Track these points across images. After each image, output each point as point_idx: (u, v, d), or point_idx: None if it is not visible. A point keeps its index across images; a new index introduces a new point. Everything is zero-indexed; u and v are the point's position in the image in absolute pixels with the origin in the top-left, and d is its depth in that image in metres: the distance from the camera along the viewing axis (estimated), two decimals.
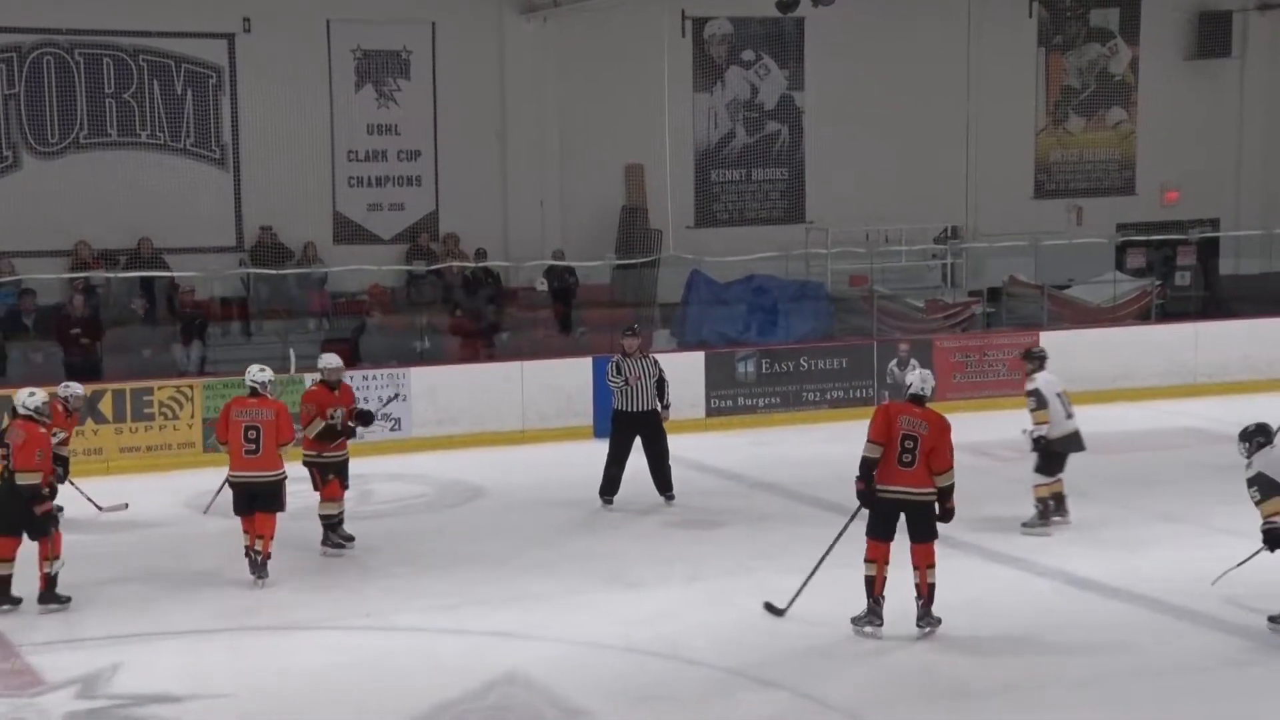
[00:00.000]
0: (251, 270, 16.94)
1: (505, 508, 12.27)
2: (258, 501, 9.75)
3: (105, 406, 13.94)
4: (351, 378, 14.60)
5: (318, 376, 11.21)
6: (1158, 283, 19.52)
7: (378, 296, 17.35)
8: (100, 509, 11.47)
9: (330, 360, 11.12)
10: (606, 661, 8.27)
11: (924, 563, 8.58)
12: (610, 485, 12.09)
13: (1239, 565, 8.83)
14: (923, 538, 8.58)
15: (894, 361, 16.58)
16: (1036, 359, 11.10)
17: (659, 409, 12.11)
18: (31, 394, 9.04)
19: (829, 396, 16.24)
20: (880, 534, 8.63)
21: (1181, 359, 17.19)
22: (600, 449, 12.42)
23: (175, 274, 16.42)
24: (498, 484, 13.07)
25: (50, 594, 9.07)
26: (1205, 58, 21.89)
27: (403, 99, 18.30)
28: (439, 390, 14.74)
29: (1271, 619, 8.63)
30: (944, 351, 16.86)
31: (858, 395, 16.27)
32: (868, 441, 8.59)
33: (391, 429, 14.61)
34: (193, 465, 13.82)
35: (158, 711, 7.53)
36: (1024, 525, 9.36)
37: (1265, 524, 8.54)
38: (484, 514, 12.15)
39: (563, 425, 14.82)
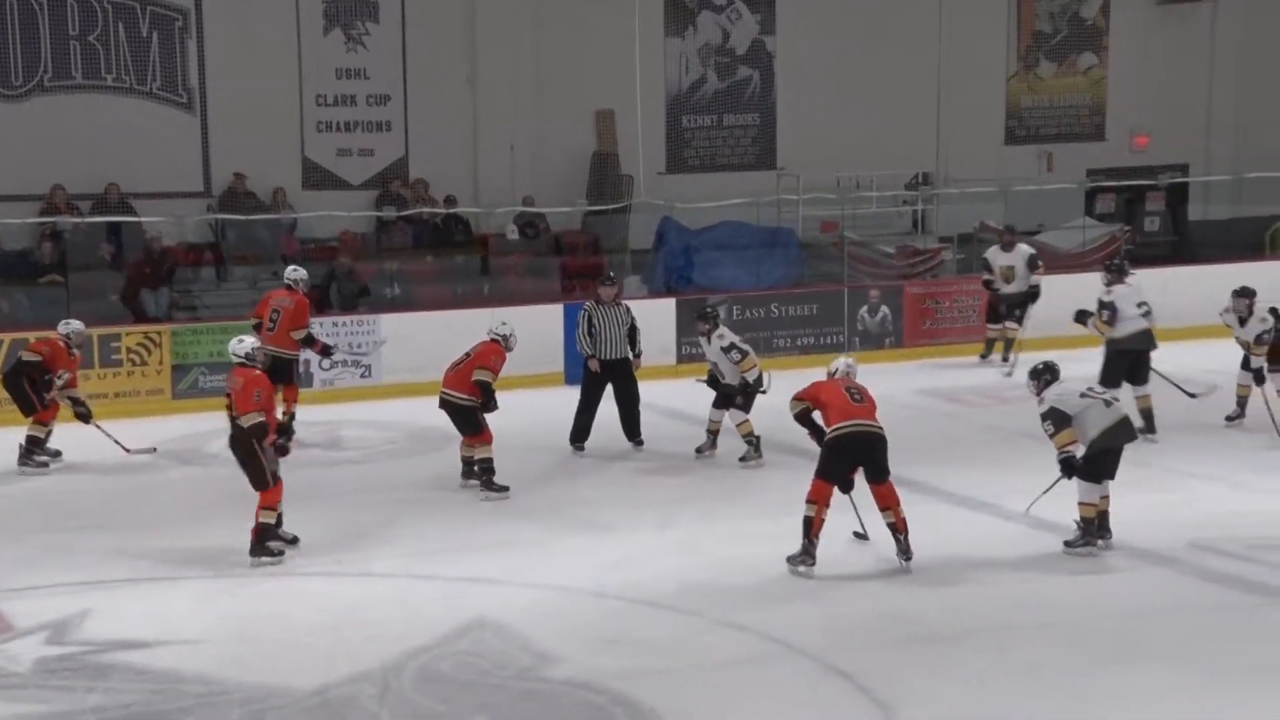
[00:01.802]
0: (220, 216, 16.81)
1: None
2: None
3: None
4: (321, 324, 14.58)
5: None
6: (1127, 229, 19.57)
7: (348, 243, 17.25)
8: (128, 451, 11.50)
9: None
10: (577, 607, 8.29)
11: (894, 499, 8.84)
12: (581, 432, 12.09)
13: (1045, 493, 9.28)
14: (883, 475, 8.85)
15: (864, 308, 16.62)
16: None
17: (630, 357, 12.11)
18: (240, 340, 9.25)
19: (800, 343, 16.24)
20: (833, 475, 8.84)
21: (1151, 304, 17.21)
22: (572, 395, 12.42)
23: (142, 219, 16.27)
24: (588, 436, 12.99)
25: (260, 546, 9.05)
26: (1177, 1, 21.85)
27: (371, 42, 18.12)
28: (409, 337, 14.67)
29: (1067, 543, 9.01)
30: (914, 297, 16.88)
31: (829, 341, 16.28)
32: (792, 401, 9.10)
33: (362, 375, 14.55)
34: (161, 412, 13.74)
35: (127, 657, 7.52)
36: (1066, 544, 9.25)
37: (1060, 454, 8.95)
38: (455, 461, 12.09)
39: (534, 372, 14.77)
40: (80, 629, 7.87)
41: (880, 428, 8.90)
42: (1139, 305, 12.29)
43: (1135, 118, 21.94)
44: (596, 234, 18.38)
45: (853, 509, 9.21)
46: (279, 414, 10.29)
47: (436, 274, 17.03)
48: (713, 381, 11.79)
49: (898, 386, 14.77)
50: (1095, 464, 9.02)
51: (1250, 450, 11.64)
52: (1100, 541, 9.11)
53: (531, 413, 13.27)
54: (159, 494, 11.01)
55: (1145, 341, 12.24)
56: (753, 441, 11.44)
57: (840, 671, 7.27)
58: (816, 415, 9.13)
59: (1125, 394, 11.09)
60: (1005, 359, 15.54)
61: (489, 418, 10.81)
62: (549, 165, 18.74)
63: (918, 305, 16.85)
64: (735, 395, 11.49)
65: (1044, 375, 9.20)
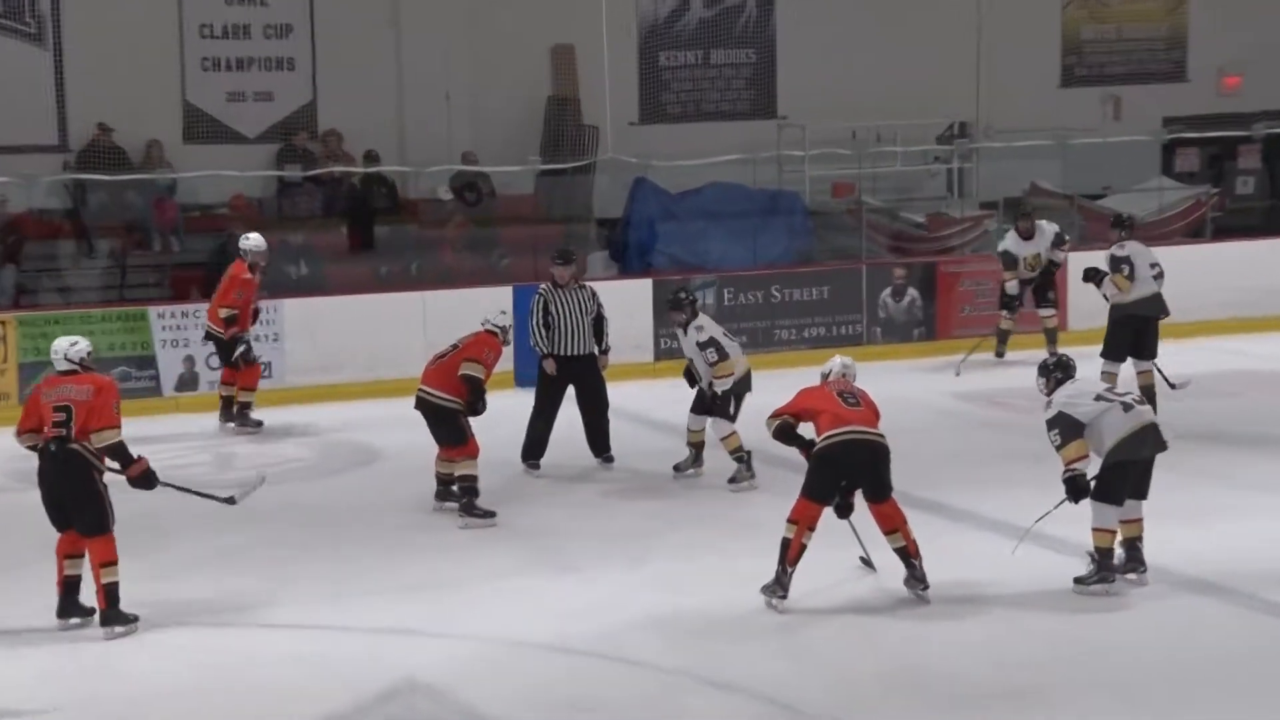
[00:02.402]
0: (79, 175, 16.79)
1: (405, 474, 12.27)
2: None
3: None
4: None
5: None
6: (1214, 191, 19.73)
7: (241, 209, 17.26)
8: None
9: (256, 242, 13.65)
10: (530, 663, 8.32)
11: (900, 519, 9.02)
12: (535, 446, 12.15)
13: (1039, 521, 9.29)
14: (884, 493, 9.01)
15: (887, 290, 16.72)
16: (1055, 373, 9.43)
17: (596, 352, 12.17)
18: (74, 342, 9.15)
19: (807, 334, 16.34)
20: (821, 493, 9.00)
21: (1242, 285, 17.39)
22: (523, 400, 12.46)
23: None
24: (395, 444, 13.05)
25: (115, 611, 8.93)
26: None
27: None
28: (320, 327, 14.71)
29: (1077, 580, 9.13)
30: (949, 278, 17.00)
31: (842, 333, 16.38)
32: (769, 420, 9.31)
33: (261, 376, 14.56)
34: (6, 422, 13.64)
35: None
36: (1077, 580, 9.34)
37: (1066, 472, 9.02)
38: (378, 481, 12.17)
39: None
40: None
41: (881, 436, 9.03)
42: (1151, 265, 13.12)
43: (1224, 53, 22.09)
44: (552, 198, 18.43)
45: (854, 534, 9.32)
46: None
47: (353, 249, 17.05)
48: (690, 378, 11.85)
49: (928, 387, 14.90)
50: (1111, 481, 9.08)
51: None
52: (1133, 575, 9.21)
53: (474, 422, 13.31)
54: (4, 525, 10.99)
55: (1156, 307, 13.14)
56: (742, 458, 11.52)
57: None
58: (807, 428, 9.27)
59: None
60: (1052, 354, 15.67)
61: (476, 425, 10.94)
62: (493, 114, 18.79)
63: (953, 287, 16.95)
64: (713, 401, 11.58)
65: (1054, 373, 9.34)
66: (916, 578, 9.00)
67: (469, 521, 10.73)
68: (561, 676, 8.15)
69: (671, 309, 12.01)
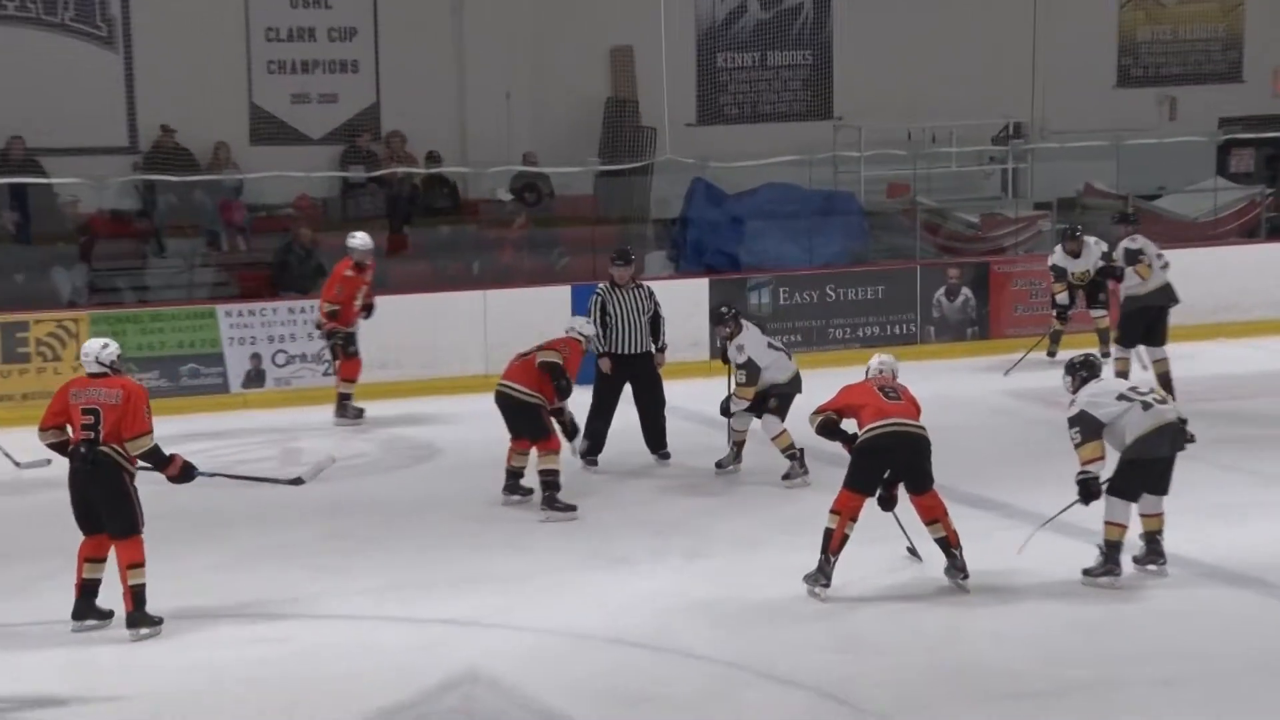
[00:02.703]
0: (148, 177, 16.90)
1: (463, 469, 12.32)
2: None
3: None
4: (275, 310, 14.72)
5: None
6: (1269, 192, 19.54)
7: (306, 209, 17.34)
8: (18, 464, 11.60)
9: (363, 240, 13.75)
10: (588, 655, 8.34)
11: (941, 510, 9.12)
12: (594, 443, 12.17)
13: (1047, 523, 9.32)
14: (925, 484, 9.11)
15: (941, 290, 16.66)
16: (1080, 371, 9.50)
17: (653, 350, 12.18)
18: (105, 345, 8.96)
19: (861, 333, 16.29)
20: (864, 485, 9.13)
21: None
22: (582, 398, 12.46)
23: (53, 180, 16.37)
24: (454, 440, 13.11)
25: (142, 614, 8.93)
26: None
27: None
28: (383, 324, 14.75)
29: (1086, 571, 9.18)
30: (1003, 278, 16.90)
31: (896, 332, 16.33)
32: (812, 416, 9.53)
33: (325, 373, 14.64)
34: None
35: (38, 718, 7.60)
36: (1085, 572, 9.38)
37: (1080, 473, 9.07)
38: (437, 476, 12.21)
39: None
40: None
41: (922, 428, 9.15)
42: (1158, 256, 14.01)
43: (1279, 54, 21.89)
44: (610, 199, 18.42)
45: (899, 527, 9.40)
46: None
47: (415, 248, 17.11)
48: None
49: (983, 386, 14.84)
50: (1127, 477, 9.14)
51: None
52: (1152, 567, 9.26)
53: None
54: (71, 517, 11.08)
55: (1168, 297, 13.96)
56: (795, 455, 11.52)
57: None
58: (849, 424, 9.37)
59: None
60: (1105, 354, 15.63)
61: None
62: (553, 115, 18.81)
63: (1007, 287, 16.87)
64: (767, 400, 11.55)
65: (1080, 371, 9.38)
66: (957, 567, 9.09)
67: (550, 515, 10.77)
68: (617, 668, 8.17)
69: (715, 323, 12.06)
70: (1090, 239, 15.66)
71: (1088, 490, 9.08)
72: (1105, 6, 21.54)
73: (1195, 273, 16.85)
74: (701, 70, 19.93)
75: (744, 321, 11.79)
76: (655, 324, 12.28)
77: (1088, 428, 9.08)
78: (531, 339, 14.03)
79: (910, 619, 8.77)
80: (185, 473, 8.97)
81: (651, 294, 12.36)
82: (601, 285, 12.40)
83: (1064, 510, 9.29)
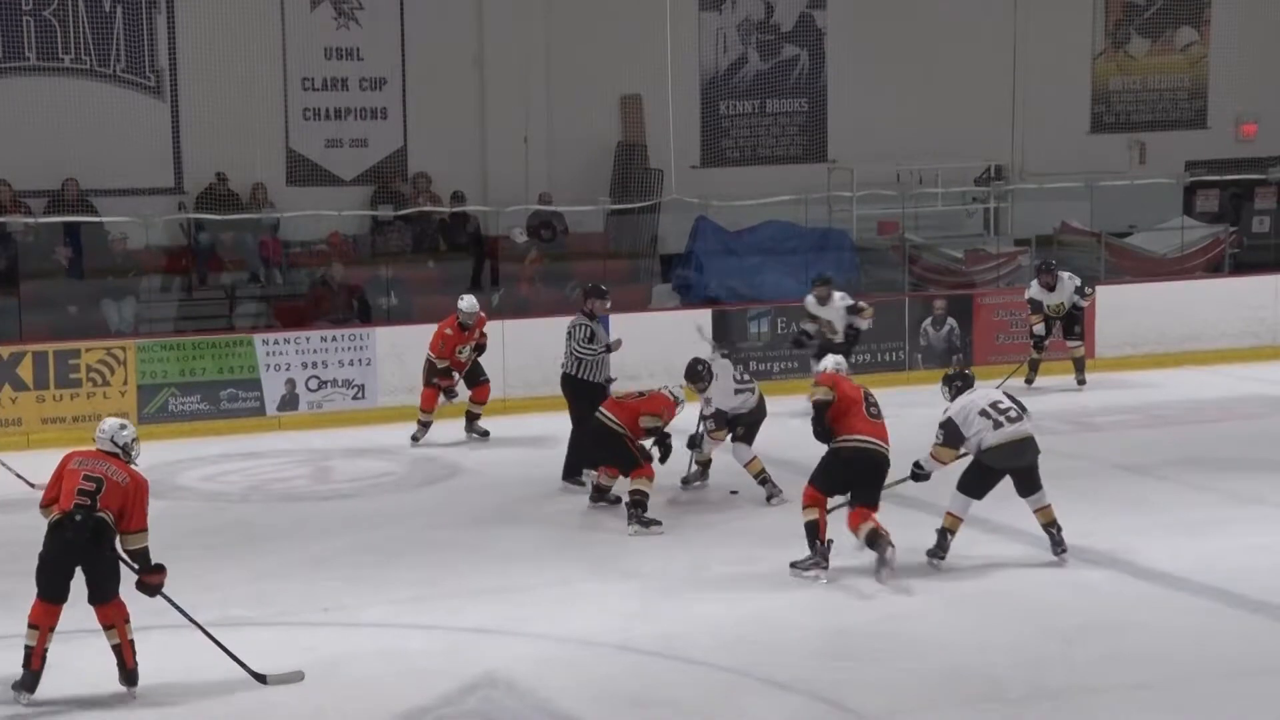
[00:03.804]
0: (192, 215, 16.91)
1: (484, 488, 12.29)
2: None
3: (25, 371, 13.95)
4: (309, 339, 14.69)
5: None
6: (1232, 229, 19.51)
7: (338, 245, 17.34)
8: (32, 485, 11.50)
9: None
10: (599, 661, 8.29)
11: (868, 518, 9.47)
12: (576, 465, 12.11)
13: (887, 488, 9.79)
14: (870, 501, 9.55)
15: (928, 320, 16.62)
16: (955, 382, 10.09)
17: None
18: (123, 426, 8.11)
19: (854, 360, 16.12)
20: (824, 488, 9.61)
21: (1259, 316, 17.18)
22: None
23: (104, 219, 16.38)
24: (475, 461, 13.08)
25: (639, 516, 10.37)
26: None
27: (365, 19, 18.25)
28: (408, 353, 14.72)
29: (929, 552, 9.67)
30: (986, 309, 16.86)
31: (886, 359, 16.28)
32: (820, 386, 9.85)
33: (354, 397, 14.62)
34: None
35: (83, 718, 7.55)
36: (928, 553, 9.78)
37: (917, 464, 9.82)
38: (459, 495, 12.16)
39: (549, 394, 14.78)
40: (39, 687, 7.89)
41: (886, 449, 9.64)
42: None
43: (1242, 102, 21.86)
44: (620, 235, 18.41)
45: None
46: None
47: (439, 281, 17.09)
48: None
49: None
50: (973, 477, 9.70)
51: None
52: (1059, 550, 9.69)
53: (546, 439, 13.31)
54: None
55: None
56: (767, 479, 11.46)
57: None
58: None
59: None
60: (1080, 381, 15.65)
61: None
62: (567, 158, 18.81)
63: (990, 317, 16.81)
64: (735, 428, 11.55)
65: (955, 382, 9.96)
66: (881, 562, 9.44)
67: (638, 529, 10.69)
68: (627, 674, 8.11)
69: (689, 379, 11.58)
70: (1064, 273, 15.69)
71: (915, 476, 9.86)
72: (1079, 58, 21.52)
73: (1164, 305, 16.87)
74: (705, 117, 19.91)
75: (715, 371, 11.64)
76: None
77: (950, 435, 9.65)
78: (546, 367, 14.10)
79: (899, 629, 8.71)
80: (159, 587, 7.96)
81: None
82: (582, 317, 12.33)
83: (897, 483, 9.89)
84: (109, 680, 7.85)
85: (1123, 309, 16.89)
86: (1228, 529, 10.50)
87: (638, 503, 10.78)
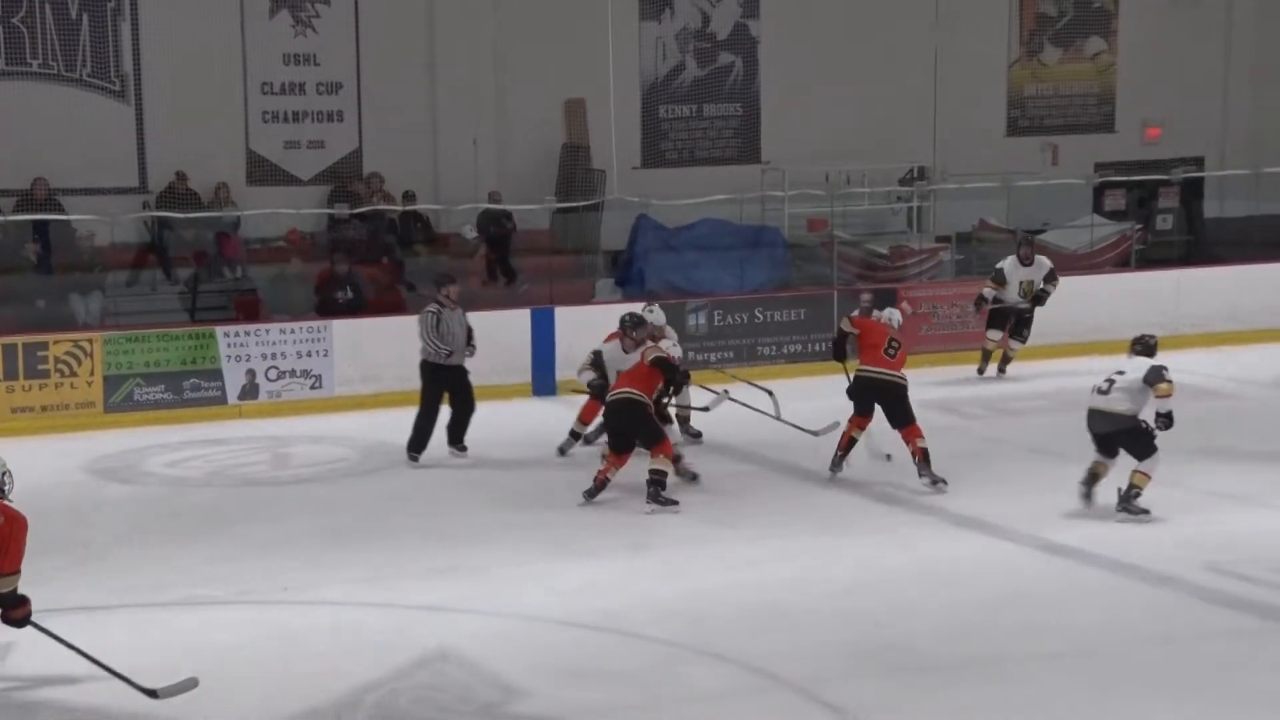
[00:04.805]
0: (156, 214, 16.74)
1: (436, 472, 12.24)
2: None
3: None
4: (269, 331, 14.58)
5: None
6: (1138, 227, 19.67)
7: (296, 243, 17.22)
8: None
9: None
10: (544, 636, 8.28)
11: (915, 435, 11.06)
12: (422, 441, 12.31)
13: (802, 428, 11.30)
14: (900, 422, 11.10)
15: (855, 312, 16.62)
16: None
17: (468, 355, 12.49)
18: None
19: (785, 350, 16.28)
20: (860, 410, 11.23)
21: (1163, 309, 17.30)
22: (541, 408, 12.43)
23: (72, 217, 16.21)
24: (430, 447, 13.02)
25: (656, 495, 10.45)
26: None
27: (322, 26, 18.11)
28: (363, 345, 14.64)
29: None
30: (910, 302, 16.90)
31: (816, 349, 16.28)
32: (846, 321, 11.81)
33: (312, 387, 14.51)
34: (92, 427, 13.69)
35: (53, 694, 7.48)
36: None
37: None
38: (414, 480, 12.11)
39: (499, 382, 14.76)
40: (3, 663, 7.81)
41: (901, 376, 11.24)
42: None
43: (1147, 108, 22.04)
44: (565, 233, 18.36)
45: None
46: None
47: (393, 276, 17.00)
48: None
49: None
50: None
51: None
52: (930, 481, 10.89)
53: (498, 425, 13.28)
54: (91, 514, 10.95)
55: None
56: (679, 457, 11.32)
57: (827, 704, 7.27)
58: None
59: None
60: (1001, 370, 15.73)
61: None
62: (515, 159, 18.75)
63: (914, 309, 16.87)
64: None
65: (1135, 345, 10.77)
66: (925, 474, 10.92)
67: (655, 507, 10.60)
68: (570, 648, 8.11)
69: (635, 327, 11.48)
70: (1042, 256, 15.76)
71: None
72: (996, 66, 21.64)
73: (1075, 298, 16.97)
74: (645, 120, 19.89)
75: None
76: (470, 336, 12.48)
77: None
78: (495, 356, 14.05)
79: (828, 602, 8.74)
80: (24, 620, 7.40)
81: (464, 313, 12.59)
82: (433, 304, 12.43)
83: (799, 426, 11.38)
84: (78, 661, 7.78)
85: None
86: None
87: (656, 481, 10.64)
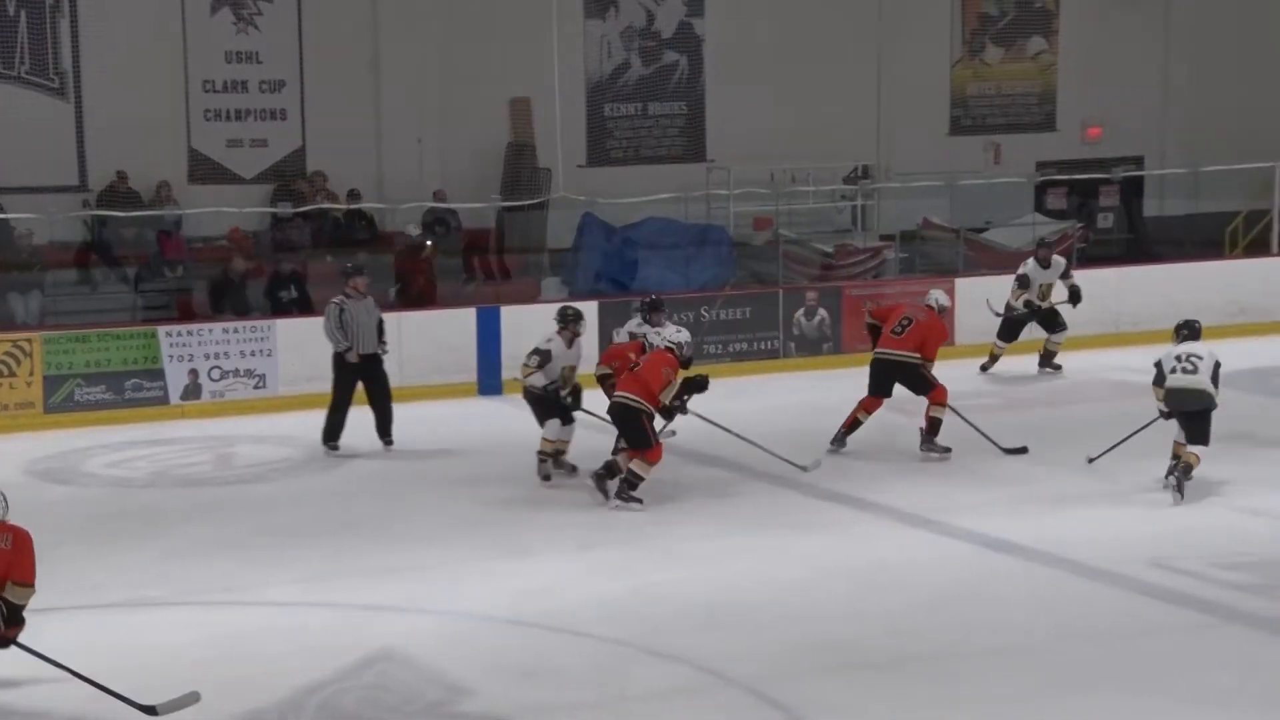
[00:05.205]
0: (96, 213, 16.58)
1: (381, 471, 12.18)
2: None
3: None
4: (211, 330, 14.46)
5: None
6: (1079, 225, 19.83)
7: (239, 241, 17.08)
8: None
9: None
10: (491, 635, 8.26)
11: (941, 398, 11.76)
12: (335, 431, 12.48)
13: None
14: (922, 390, 11.84)
15: (801, 311, 16.70)
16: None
17: (379, 353, 12.55)
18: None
19: (731, 349, 16.30)
20: (874, 390, 11.91)
21: (1103, 305, 17.45)
22: (487, 406, 12.40)
23: (10, 216, 16.01)
24: (373, 445, 12.94)
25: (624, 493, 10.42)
26: None
27: (264, 24, 18.00)
28: (307, 343, 14.53)
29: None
30: (854, 300, 16.96)
31: (762, 348, 16.35)
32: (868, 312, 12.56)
33: (255, 386, 14.40)
34: (32, 427, 13.53)
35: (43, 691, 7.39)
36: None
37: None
38: (359, 479, 12.04)
39: (444, 381, 14.71)
40: None
41: (912, 355, 11.81)
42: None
43: (1087, 107, 22.26)
44: (511, 231, 18.33)
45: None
46: None
47: (337, 275, 16.87)
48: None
49: (836, 395, 14.82)
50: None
51: (1223, 463, 11.78)
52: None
53: (443, 425, 13.23)
54: (31, 516, 10.76)
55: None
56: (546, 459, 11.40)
57: (775, 703, 7.28)
58: None
59: None
60: (1055, 366, 15.94)
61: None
62: (460, 157, 18.69)
63: (858, 308, 16.91)
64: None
65: (1181, 330, 10.88)
66: (929, 445, 11.70)
67: (619, 504, 10.57)
68: (517, 647, 8.09)
69: (653, 310, 12.19)
70: (1057, 256, 15.96)
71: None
72: (938, 65, 21.78)
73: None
74: (591, 118, 19.89)
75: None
76: (380, 328, 12.52)
77: (1157, 376, 10.62)
78: (442, 356, 14.00)
79: (775, 601, 8.76)
80: (14, 639, 7.35)
81: (376, 304, 12.67)
82: (339, 296, 12.52)
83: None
84: (73, 657, 7.68)
85: (978, 299, 17.09)
86: (1074, 504, 10.68)
87: (630, 483, 10.63)
